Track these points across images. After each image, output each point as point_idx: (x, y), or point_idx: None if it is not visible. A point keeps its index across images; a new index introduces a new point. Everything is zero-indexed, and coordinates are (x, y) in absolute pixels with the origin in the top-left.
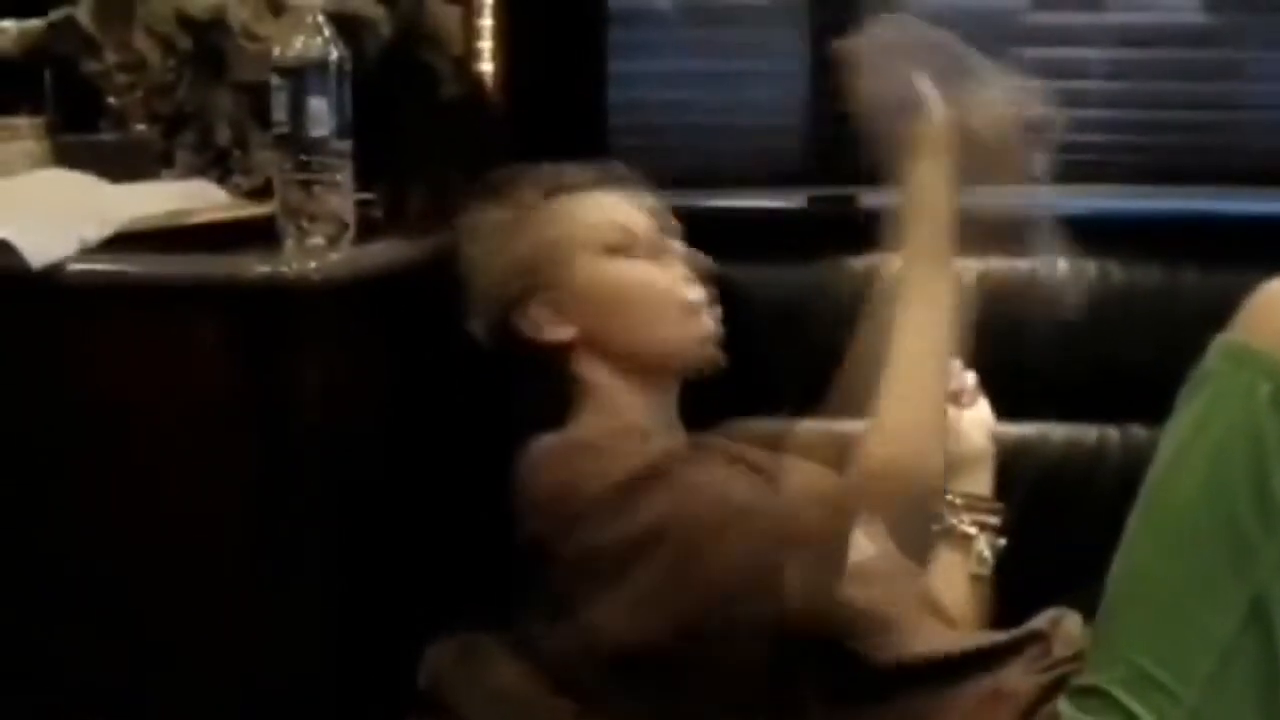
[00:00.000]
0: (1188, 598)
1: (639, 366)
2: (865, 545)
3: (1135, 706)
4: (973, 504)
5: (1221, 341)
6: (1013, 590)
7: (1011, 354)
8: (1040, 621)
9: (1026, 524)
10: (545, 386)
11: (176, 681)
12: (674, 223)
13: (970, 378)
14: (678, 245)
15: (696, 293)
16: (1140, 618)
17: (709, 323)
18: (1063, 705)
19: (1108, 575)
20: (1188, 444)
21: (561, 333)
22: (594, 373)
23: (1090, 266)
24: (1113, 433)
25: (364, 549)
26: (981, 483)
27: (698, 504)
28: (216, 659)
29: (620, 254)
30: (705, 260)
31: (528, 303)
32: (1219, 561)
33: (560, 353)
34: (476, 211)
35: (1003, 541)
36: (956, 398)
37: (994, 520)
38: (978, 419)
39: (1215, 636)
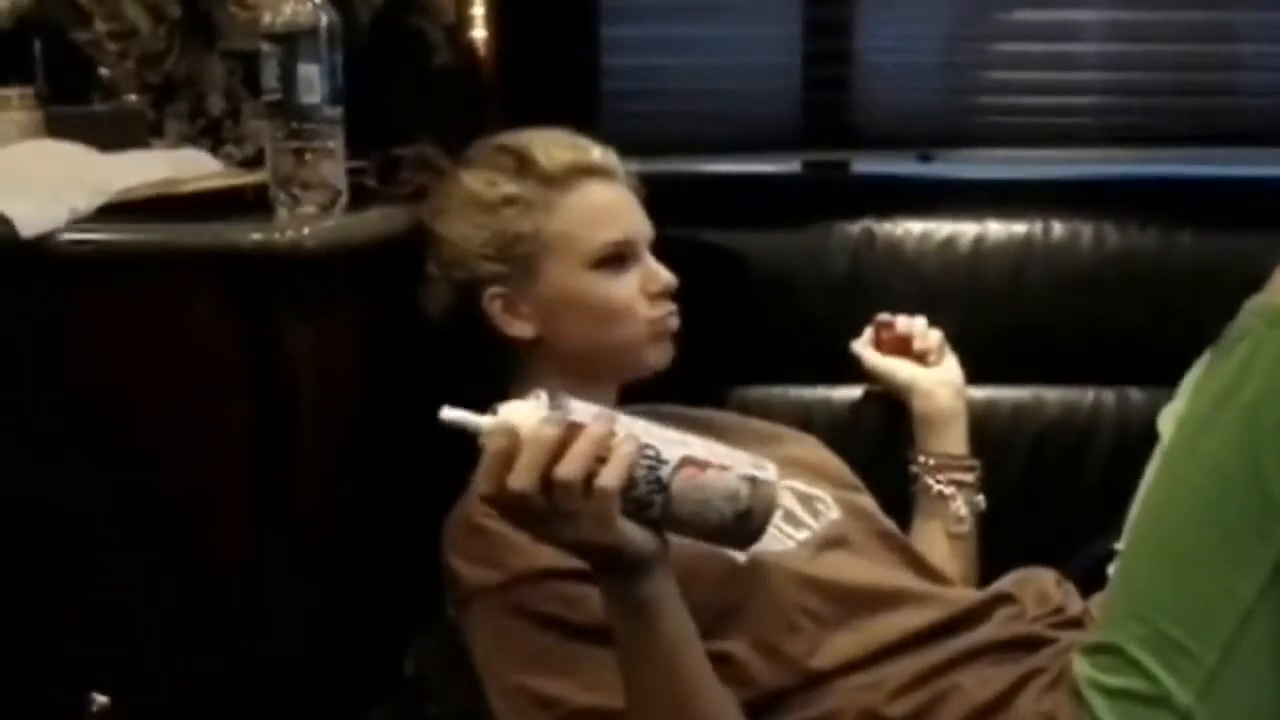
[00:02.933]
0: (1211, 557)
1: (589, 370)
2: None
3: (1153, 665)
4: (946, 463)
5: (1255, 304)
6: (1009, 554)
7: (1007, 317)
8: (1005, 583)
9: (1022, 487)
10: (489, 372)
11: (174, 653)
12: (645, 229)
13: (936, 335)
14: (648, 257)
15: (659, 309)
16: (1161, 576)
17: (667, 342)
18: (1077, 663)
19: (1125, 534)
20: (1219, 404)
21: (520, 329)
22: (541, 369)
23: (1086, 229)
24: (1108, 396)
25: (356, 520)
26: (954, 441)
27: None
28: (213, 631)
29: (602, 267)
30: (669, 276)
31: (490, 291)
32: (1245, 521)
33: (513, 346)
34: (452, 182)
35: (981, 499)
36: (923, 356)
37: (969, 478)
38: (944, 378)
39: (1236, 598)
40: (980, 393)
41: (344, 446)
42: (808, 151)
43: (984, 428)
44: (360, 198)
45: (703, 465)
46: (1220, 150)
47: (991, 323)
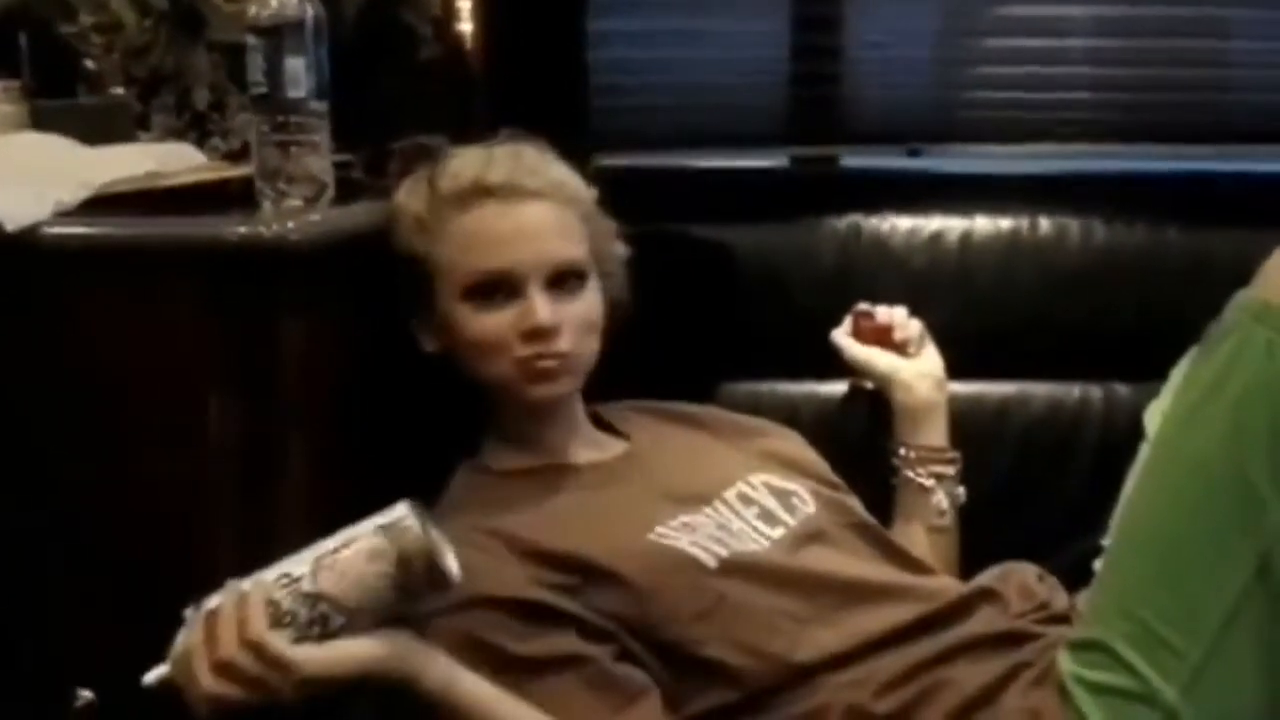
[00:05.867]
0: (1196, 554)
1: (488, 389)
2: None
3: (1138, 662)
4: (926, 455)
5: (1242, 298)
6: (995, 549)
7: (994, 312)
8: (986, 578)
9: (1009, 482)
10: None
11: (160, 649)
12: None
13: (916, 326)
14: (533, 292)
15: (528, 349)
16: (1146, 572)
17: (547, 381)
18: (1063, 659)
19: (1112, 530)
20: (1206, 399)
21: (430, 344)
22: (485, 390)
23: (1074, 225)
24: (1095, 391)
25: (343, 514)
26: (934, 433)
27: None
28: None
29: (475, 298)
30: (541, 316)
31: (413, 306)
32: (1230, 517)
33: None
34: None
35: (961, 491)
36: (903, 347)
37: (950, 471)
38: (924, 369)
39: (1222, 594)
40: (967, 388)
41: (331, 441)
42: (796, 146)
43: (970, 423)
44: (346, 191)
45: (335, 550)
46: (1208, 146)
47: (979, 318)
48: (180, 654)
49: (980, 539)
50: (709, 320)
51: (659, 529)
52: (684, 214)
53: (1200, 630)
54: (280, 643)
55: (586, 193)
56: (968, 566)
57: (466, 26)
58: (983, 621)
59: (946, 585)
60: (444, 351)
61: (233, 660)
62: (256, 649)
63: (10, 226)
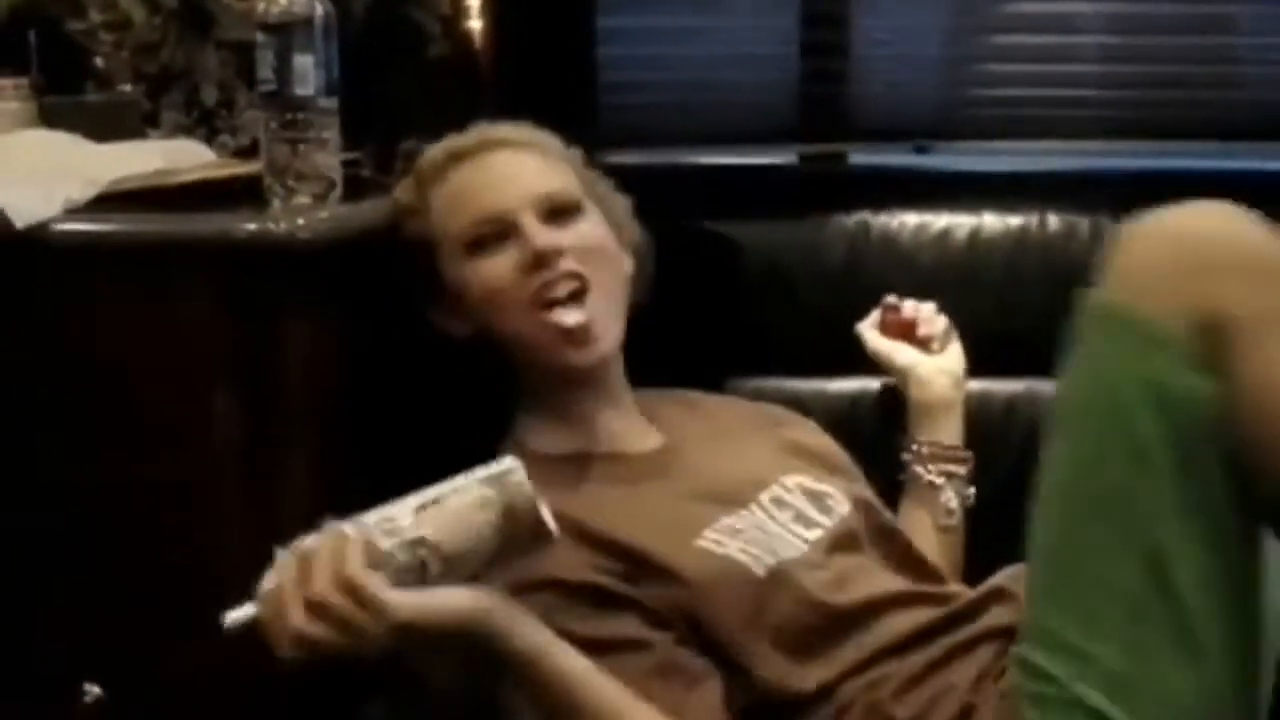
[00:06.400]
0: (1084, 559)
1: (523, 363)
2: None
3: (1059, 671)
4: (938, 453)
5: (1084, 302)
6: (1001, 548)
7: (1002, 310)
8: (1000, 579)
9: (1016, 481)
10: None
11: (166, 645)
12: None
13: (942, 322)
14: (527, 227)
15: (535, 280)
16: (1045, 584)
17: (559, 312)
18: (1010, 673)
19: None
20: (1062, 408)
21: (459, 329)
22: (519, 364)
23: (1083, 222)
24: None
25: (353, 507)
26: (948, 431)
27: None
28: (205, 623)
29: (475, 252)
30: (541, 241)
31: (430, 296)
32: (1106, 519)
33: (482, 347)
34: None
35: (971, 492)
36: (926, 343)
37: (961, 470)
38: (945, 366)
39: (1115, 594)
40: (974, 386)
41: (338, 437)
42: (804, 143)
43: (978, 421)
44: (355, 188)
45: (437, 499)
46: (1218, 143)
47: (987, 315)
48: (270, 592)
49: (986, 537)
50: (717, 317)
51: (708, 533)
52: (692, 211)
53: (1106, 633)
54: (377, 583)
55: (579, 160)
56: (974, 564)
57: (475, 24)
58: (995, 619)
59: (959, 589)
60: (474, 332)
61: (326, 599)
62: (352, 589)
63: (20, 224)
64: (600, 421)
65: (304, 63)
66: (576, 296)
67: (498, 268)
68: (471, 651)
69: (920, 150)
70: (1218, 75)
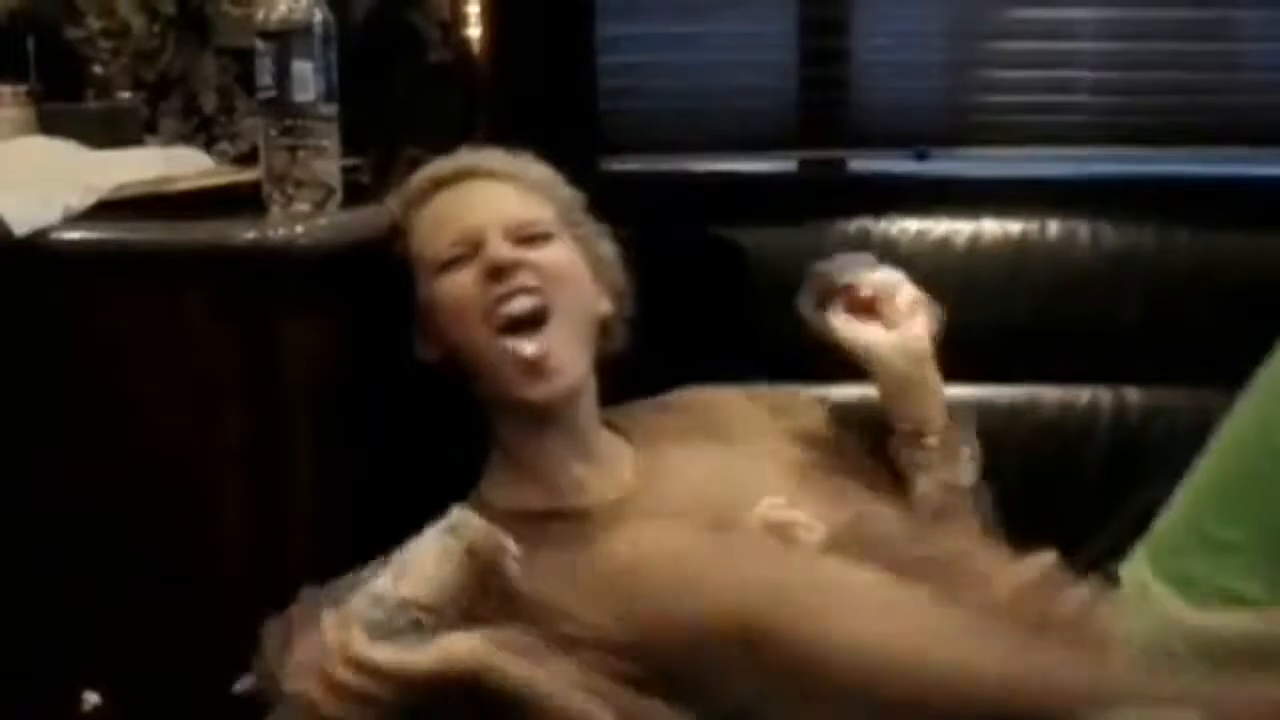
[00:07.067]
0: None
1: (487, 394)
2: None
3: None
4: (914, 431)
5: None
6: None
7: (1003, 317)
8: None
9: (1018, 487)
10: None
11: (167, 652)
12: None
13: (904, 295)
14: (489, 244)
15: (488, 294)
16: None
17: (513, 341)
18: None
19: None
20: None
21: (427, 352)
22: (483, 401)
23: (1083, 228)
24: (1104, 395)
25: (352, 516)
26: (917, 408)
27: None
28: (206, 630)
29: (444, 269)
30: (493, 253)
31: (410, 318)
32: None
33: (457, 376)
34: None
35: (969, 463)
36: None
37: (934, 442)
38: (903, 343)
39: None
40: (976, 391)
41: (337, 442)
42: (804, 150)
43: (979, 427)
44: (354, 195)
45: (405, 562)
46: (1218, 149)
47: (987, 322)
48: (296, 694)
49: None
50: (717, 324)
51: None
52: (692, 218)
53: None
54: (384, 652)
55: (564, 189)
56: None
57: (475, 31)
58: None
59: None
60: (441, 357)
61: (347, 682)
62: (365, 665)
63: (19, 231)
64: (563, 469)
65: (303, 69)
66: (536, 321)
67: (460, 281)
68: (479, 694)
69: (920, 156)
70: (1217, 81)
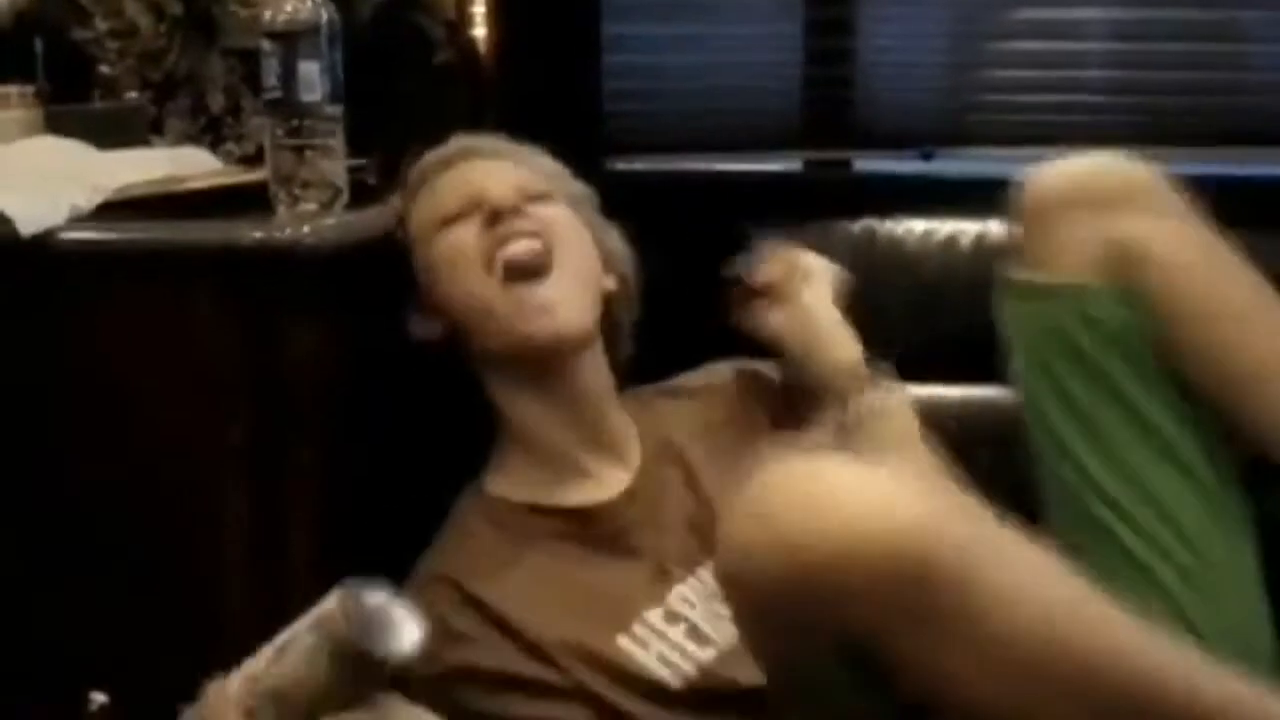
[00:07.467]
0: None
1: (494, 356)
2: None
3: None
4: (829, 375)
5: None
6: None
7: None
8: None
9: (1021, 487)
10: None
11: (173, 652)
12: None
13: (778, 268)
14: (497, 192)
15: (487, 237)
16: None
17: (518, 289)
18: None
19: None
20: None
21: (430, 330)
22: (489, 380)
23: None
24: None
25: (357, 513)
26: (831, 354)
27: None
28: (212, 630)
29: (445, 226)
30: (495, 194)
31: (413, 304)
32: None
33: (461, 355)
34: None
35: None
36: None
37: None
38: (802, 311)
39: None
40: (979, 392)
41: (343, 442)
42: (809, 150)
43: (984, 427)
44: (360, 195)
45: (284, 647)
46: (1225, 150)
47: (992, 322)
48: None
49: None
50: (722, 325)
51: (637, 627)
52: (697, 218)
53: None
54: None
55: (573, 182)
56: None
57: (481, 31)
58: None
59: None
60: (445, 331)
61: None
62: None
63: (26, 231)
64: (569, 459)
65: (309, 70)
66: (539, 270)
67: (461, 234)
68: None
69: (926, 157)
70: (1225, 82)
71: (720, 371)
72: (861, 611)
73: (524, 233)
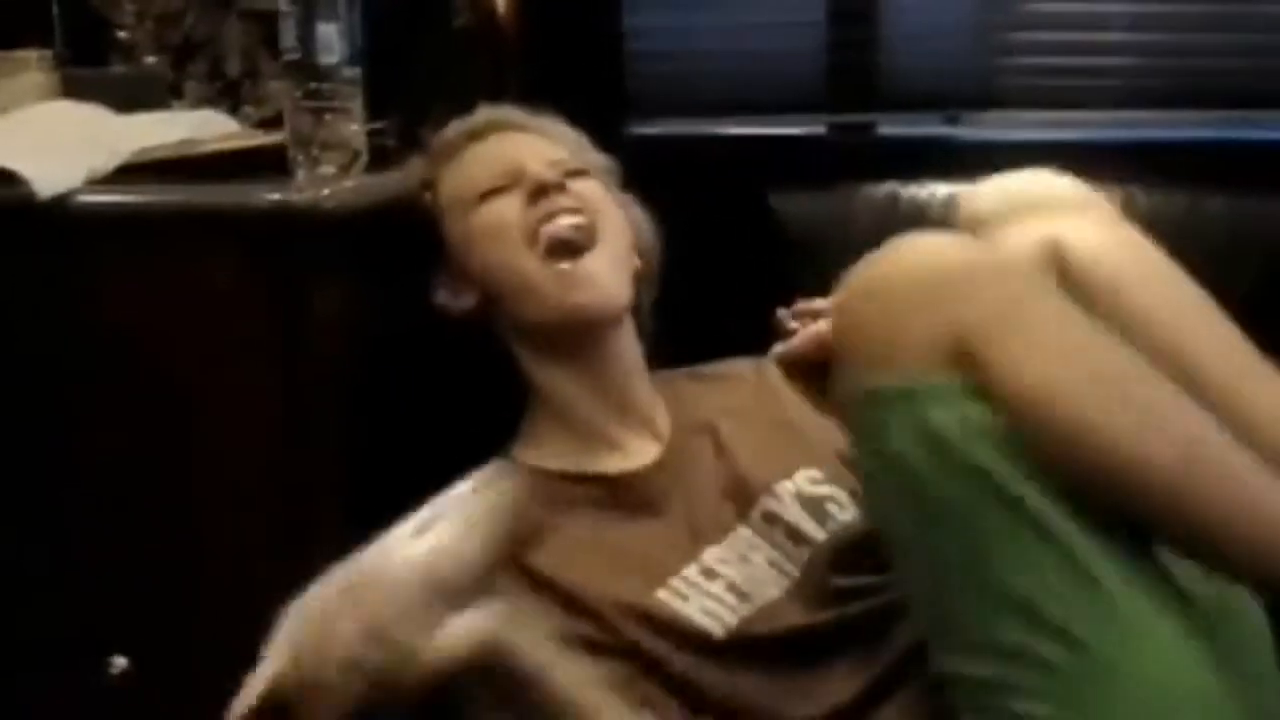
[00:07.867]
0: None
1: (530, 328)
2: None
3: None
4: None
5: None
6: None
7: None
8: None
9: None
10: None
11: (195, 617)
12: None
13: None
14: (538, 168)
15: (531, 213)
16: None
17: (559, 262)
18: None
19: None
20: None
21: (464, 302)
22: (520, 351)
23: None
24: None
25: (381, 477)
26: None
27: None
28: (234, 595)
29: (484, 200)
30: (534, 172)
31: (442, 274)
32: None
33: (490, 330)
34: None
35: None
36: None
37: None
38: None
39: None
40: None
41: (365, 404)
42: (833, 113)
43: None
44: (380, 158)
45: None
46: (1251, 112)
47: None
48: (293, 658)
49: None
50: (746, 289)
51: (675, 580)
52: (720, 182)
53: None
54: (404, 628)
55: (595, 153)
56: None
57: None
58: None
59: None
60: (477, 303)
61: (359, 656)
62: (381, 639)
63: (44, 194)
64: (600, 431)
65: (327, 31)
66: (582, 246)
67: (504, 207)
68: (493, 675)
69: (950, 120)
70: (1251, 44)
71: (741, 364)
72: (965, 312)
73: (567, 209)
